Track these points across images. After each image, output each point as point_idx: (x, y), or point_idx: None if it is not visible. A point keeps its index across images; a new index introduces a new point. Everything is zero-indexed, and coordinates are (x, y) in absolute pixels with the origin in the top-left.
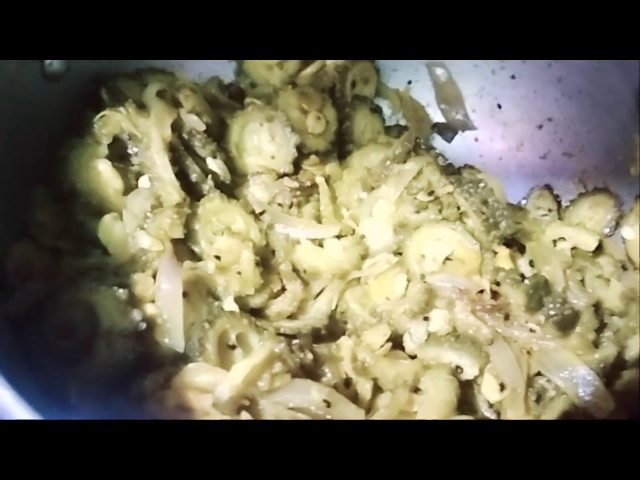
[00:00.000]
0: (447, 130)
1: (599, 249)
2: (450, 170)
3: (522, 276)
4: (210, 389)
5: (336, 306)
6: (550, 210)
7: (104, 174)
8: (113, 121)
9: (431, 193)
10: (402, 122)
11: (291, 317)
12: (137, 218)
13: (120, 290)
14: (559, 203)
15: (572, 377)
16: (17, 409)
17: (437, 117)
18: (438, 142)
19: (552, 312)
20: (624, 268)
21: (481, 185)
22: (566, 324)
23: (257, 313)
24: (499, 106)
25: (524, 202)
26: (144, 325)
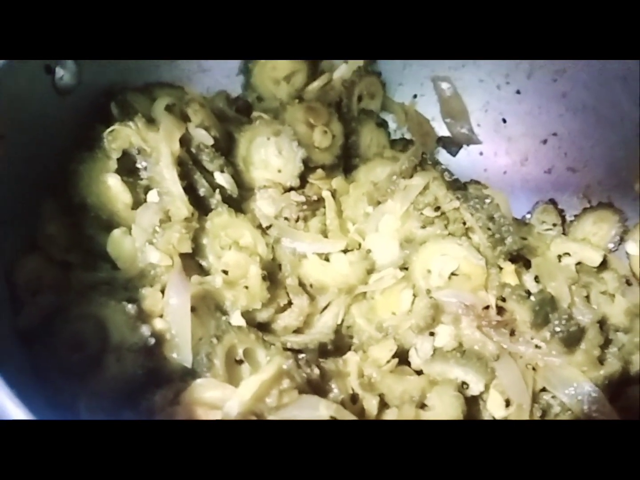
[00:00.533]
0: (452, 144)
1: (603, 264)
2: (457, 186)
3: (528, 292)
4: (218, 405)
5: (342, 321)
6: (554, 225)
7: (114, 188)
8: (122, 135)
9: (437, 208)
10: (408, 136)
11: (297, 331)
12: (146, 232)
13: (130, 306)
14: (563, 218)
15: (577, 393)
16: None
17: (442, 131)
18: (443, 155)
19: (557, 329)
20: (628, 283)
21: (487, 200)
22: (572, 340)
23: (263, 327)
24: (504, 121)
25: (528, 216)
26: (152, 341)
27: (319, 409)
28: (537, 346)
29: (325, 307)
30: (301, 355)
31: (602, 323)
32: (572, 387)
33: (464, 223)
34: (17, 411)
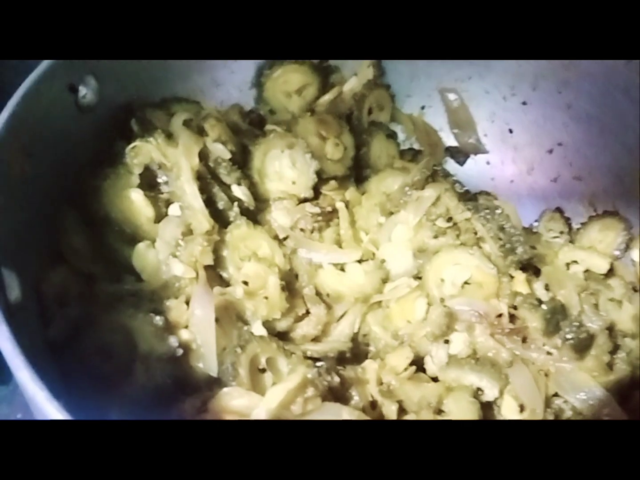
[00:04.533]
0: (460, 154)
1: (609, 272)
2: (467, 197)
3: (539, 300)
4: (246, 413)
5: (358, 329)
6: (561, 233)
7: (137, 203)
8: (144, 151)
9: (449, 219)
10: (416, 146)
11: (315, 339)
12: (169, 245)
13: (157, 317)
14: (569, 226)
15: (588, 397)
16: None
17: (449, 141)
18: (451, 165)
19: (568, 336)
20: (635, 290)
21: (497, 211)
22: (582, 346)
23: (283, 337)
24: (510, 131)
25: (535, 224)
26: (180, 351)
27: (342, 416)
28: (548, 353)
29: (342, 316)
30: (320, 363)
31: (610, 329)
32: (584, 391)
33: (475, 233)
34: (55, 412)
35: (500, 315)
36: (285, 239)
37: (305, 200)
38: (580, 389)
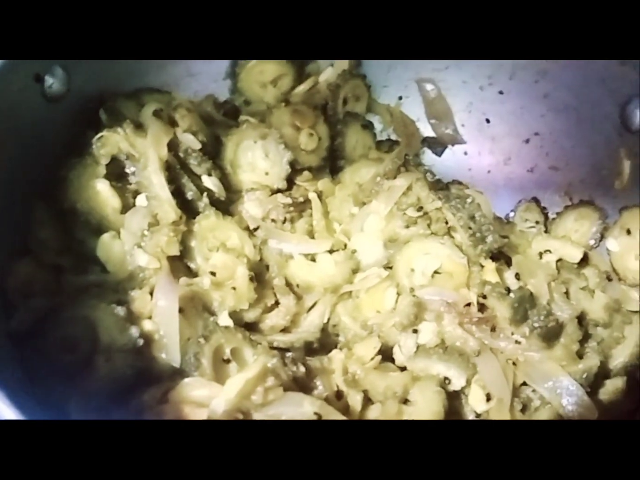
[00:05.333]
0: (437, 145)
1: (584, 261)
2: (439, 186)
3: (508, 289)
4: (206, 403)
5: (328, 319)
6: (537, 223)
7: (103, 193)
8: (111, 142)
9: (420, 208)
10: (393, 137)
11: (285, 330)
12: (134, 236)
13: (119, 308)
14: (545, 215)
15: (555, 387)
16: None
17: (427, 131)
18: (428, 156)
19: (536, 325)
20: (609, 279)
21: (468, 200)
22: (550, 335)
23: (251, 327)
24: (488, 121)
25: (511, 214)
26: (141, 342)
27: (303, 406)
28: (517, 342)
29: (312, 307)
30: (288, 354)
31: (581, 318)
32: (551, 381)
33: (446, 222)
34: (8, 411)
35: (469, 305)
36: (256, 229)
37: (278, 191)
38: (548, 378)
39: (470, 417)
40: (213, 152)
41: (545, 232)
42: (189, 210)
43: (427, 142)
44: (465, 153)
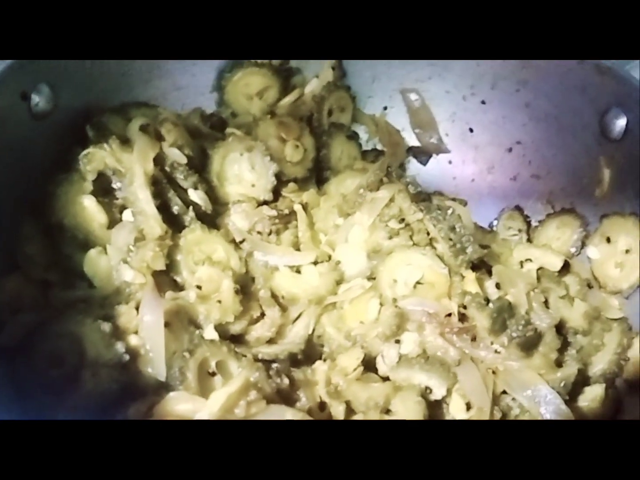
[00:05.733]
0: (422, 154)
1: (565, 269)
2: (421, 197)
3: (487, 299)
4: (190, 417)
5: (313, 330)
6: (520, 231)
7: (89, 209)
8: (97, 158)
9: (402, 220)
10: (379, 147)
11: (270, 341)
12: (121, 251)
13: (105, 324)
14: (528, 223)
15: (534, 395)
16: None
17: (412, 141)
18: (414, 165)
19: (514, 334)
20: (590, 286)
21: (449, 212)
22: (528, 345)
23: (237, 339)
24: (471, 130)
25: (495, 222)
26: (127, 357)
27: (285, 418)
28: (496, 351)
29: (297, 318)
30: (274, 365)
31: (560, 327)
32: (530, 389)
33: (428, 234)
34: None
35: (449, 315)
36: (242, 242)
37: (264, 202)
38: (527, 386)
39: None
40: (200, 165)
41: (528, 240)
42: (175, 224)
43: (412, 151)
44: (450, 162)
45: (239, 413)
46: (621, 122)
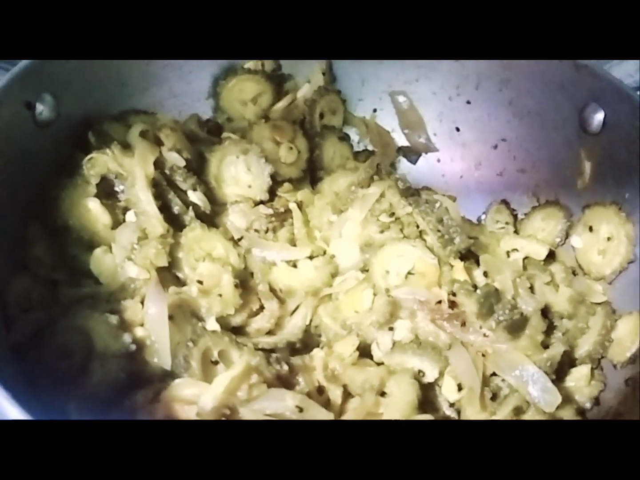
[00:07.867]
0: (412, 153)
1: (551, 258)
2: (410, 192)
3: (475, 286)
4: (194, 401)
5: (310, 321)
6: (507, 223)
7: (94, 211)
8: (100, 162)
9: (392, 214)
10: (370, 147)
11: (270, 332)
12: (125, 250)
13: (112, 317)
14: (515, 216)
15: (522, 375)
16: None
17: (401, 141)
18: (404, 164)
19: (501, 318)
20: (575, 274)
21: (437, 205)
22: (515, 328)
23: (238, 331)
24: (457, 129)
25: (483, 216)
26: (134, 347)
27: (285, 400)
28: (485, 335)
29: (295, 310)
30: (274, 354)
31: (546, 311)
32: (518, 369)
33: (418, 226)
34: (14, 411)
35: (440, 302)
36: (240, 239)
37: (261, 202)
38: (515, 367)
39: (444, 406)
40: (198, 167)
41: (515, 232)
42: (175, 223)
43: (402, 151)
44: (438, 160)
45: (242, 395)
46: (599, 117)
